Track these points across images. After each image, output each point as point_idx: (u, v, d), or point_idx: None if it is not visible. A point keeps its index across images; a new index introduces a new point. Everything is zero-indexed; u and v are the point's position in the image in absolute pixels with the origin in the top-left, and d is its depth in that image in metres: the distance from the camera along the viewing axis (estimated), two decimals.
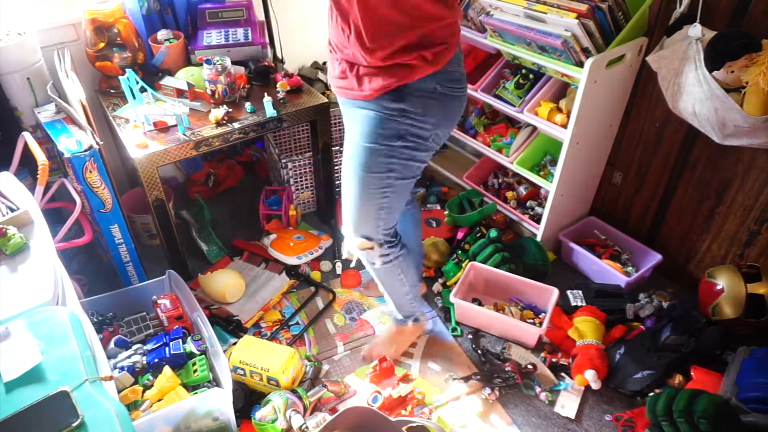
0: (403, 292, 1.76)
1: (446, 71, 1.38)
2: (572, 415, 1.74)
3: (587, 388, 1.80)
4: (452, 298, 1.94)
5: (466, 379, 1.83)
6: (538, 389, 1.80)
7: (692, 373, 1.73)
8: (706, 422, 1.45)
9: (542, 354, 1.91)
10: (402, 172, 1.46)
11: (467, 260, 2.14)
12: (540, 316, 1.96)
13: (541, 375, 1.85)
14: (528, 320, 1.93)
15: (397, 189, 1.49)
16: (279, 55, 2.56)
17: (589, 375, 1.76)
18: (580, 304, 2.00)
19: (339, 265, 2.30)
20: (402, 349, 1.92)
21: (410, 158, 1.45)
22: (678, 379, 1.75)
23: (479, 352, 1.92)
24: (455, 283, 2.04)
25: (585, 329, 1.88)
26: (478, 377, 1.82)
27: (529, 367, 1.83)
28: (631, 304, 2.00)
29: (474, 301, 2.03)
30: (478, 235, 2.25)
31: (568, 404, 1.77)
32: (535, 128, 2.19)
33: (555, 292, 1.95)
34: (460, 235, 2.31)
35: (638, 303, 2.01)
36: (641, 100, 2.05)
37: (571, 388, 1.81)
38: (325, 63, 2.87)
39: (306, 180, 2.48)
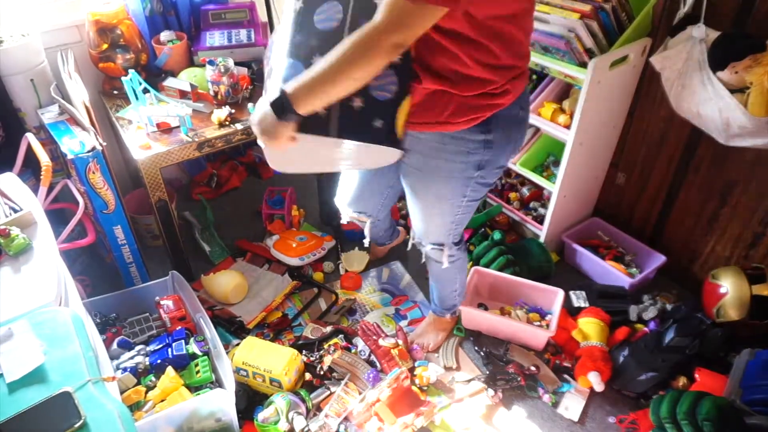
0: (452, 288, 1.84)
1: (525, 93, 1.33)
2: (576, 417, 1.74)
3: (591, 389, 1.79)
4: (459, 305, 1.93)
5: (470, 381, 1.83)
6: (541, 391, 1.80)
7: (696, 375, 1.72)
8: (710, 424, 1.45)
9: (545, 355, 1.90)
10: (475, 195, 1.45)
11: (471, 262, 2.13)
12: (546, 318, 1.95)
13: (544, 376, 1.84)
14: (535, 323, 1.93)
15: (469, 208, 1.50)
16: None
17: (593, 377, 1.75)
18: (583, 305, 2.00)
19: (342, 267, 2.30)
20: (443, 337, 1.98)
21: (484, 184, 1.42)
22: (682, 381, 1.74)
23: (482, 354, 1.91)
24: None
25: (589, 331, 1.87)
26: (482, 379, 1.82)
27: (532, 369, 1.82)
28: (635, 306, 1.99)
29: (480, 306, 2.02)
30: (481, 233, 2.25)
31: (571, 406, 1.77)
32: (538, 129, 2.19)
33: (560, 294, 1.94)
34: (465, 236, 2.31)
35: (642, 305, 2.00)
36: (645, 100, 2.04)
37: (575, 389, 1.81)
38: None
39: None
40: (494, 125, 1.27)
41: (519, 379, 1.79)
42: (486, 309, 2.02)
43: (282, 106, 1.10)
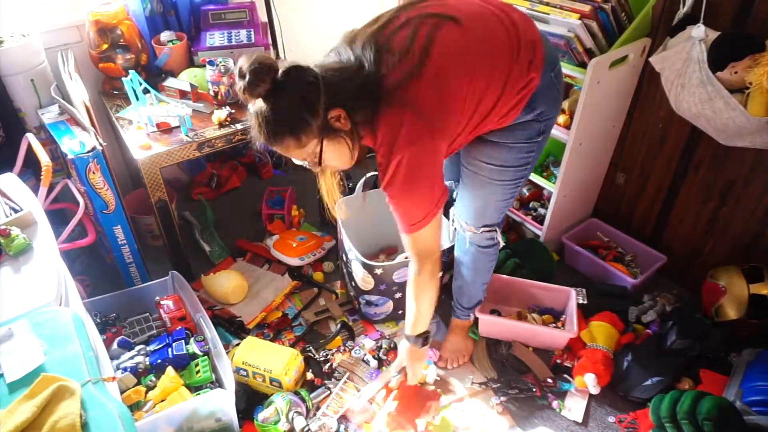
0: (484, 280, 1.83)
1: (547, 59, 1.40)
2: (575, 417, 1.73)
3: None
4: (477, 313, 1.90)
5: (482, 384, 1.82)
6: (551, 397, 1.79)
7: (701, 377, 1.72)
8: (710, 424, 1.45)
9: (554, 352, 1.90)
10: (533, 161, 1.53)
11: None
12: (561, 319, 1.96)
13: (537, 370, 1.84)
14: (550, 324, 1.93)
15: (523, 181, 1.56)
16: (282, 56, 2.56)
17: (589, 379, 1.74)
18: (581, 302, 2.00)
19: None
20: (472, 342, 1.96)
21: (540, 148, 1.52)
22: (688, 383, 1.73)
23: (503, 361, 1.90)
24: None
25: (598, 334, 1.87)
26: (497, 385, 1.81)
27: (549, 381, 1.81)
28: (634, 308, 1.99)
29: (492, 312, 2.01)
30: None
31: (571, 405, 1.76)
32: None
33: (572, 294, 1.94)
34: None
35: (641, 306, 2.00)
36: (644, 100, 2.04)
37: (575, 389, 1.80)
38: None
39: None
40: (538, 101, 1.39)
41: (535, 390, 1.78)
42: (499, 314, 2.01)
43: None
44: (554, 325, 1.93)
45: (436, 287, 1.49)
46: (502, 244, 1.72)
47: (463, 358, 1.91)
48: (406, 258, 1.81)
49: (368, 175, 2.03)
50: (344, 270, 2.03)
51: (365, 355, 1.88)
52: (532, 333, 1.92)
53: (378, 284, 1.87)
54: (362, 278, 1.86)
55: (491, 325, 1.96)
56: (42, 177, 1.65)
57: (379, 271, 1.83)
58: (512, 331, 1.95)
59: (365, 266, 1.83)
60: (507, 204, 1.60)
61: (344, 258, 1.98)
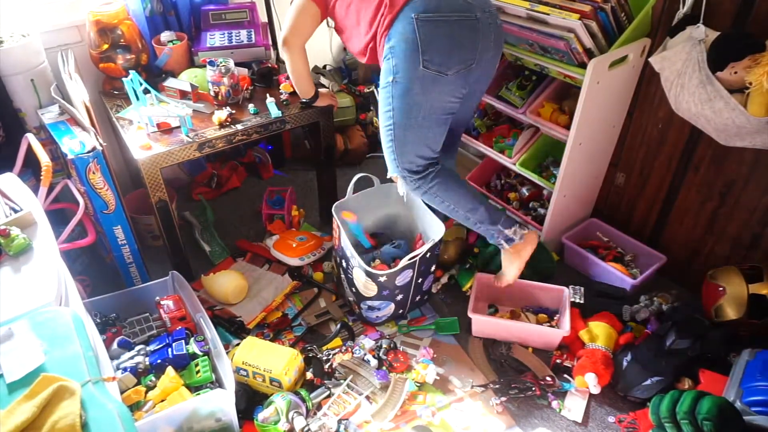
0: (463, 218, 1.85)
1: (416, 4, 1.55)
2: (575, 417, 1.73)
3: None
4: (470, 314, 1.91)
5: (484, 387, 1.82)
6: (551, 397, 1.79)
7: (700, 377, 1.72)
8: (710, 424, 1.45)
9: (554, 351, 1.90)
10: (400, 107, 1.63)
11: (478, 268, 2.13)
12: (555, 318, 1.96)
13: (537, 370, 1.84)
14: (544, 324, 1.93)
15: (398, 124, 1.66)
16: (282, 56, 2.56)
17: (589, 378, 1.75)
18: (578, 300, 1.99)
19: None
20: (518, 266, 1.91)
21: (404, 94, 1.61)
22: (687, 383, 1.73)
23: (502, 361, 1.89)
24: (469, 288, 2.05)
25: (598, 333, 1.87)
26: (497, 386, 1.81)
27: (548, 379, 1.81)
28: (627, 306, 1.98)
29: (490, 307, 2.01)
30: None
31: (571, 405, 1.77)
32: (537, 129, 2.19)
33: (565, 291, 1.94)
34: (471, 239, 2.29)
35: (635, 305, 2.00)
36: (644, 101, 2.04)
37: (575, 389, 1.80)
38: (325, 66, 2.88)
39: None
40: (393, 35, 1.58)
41: (534, 389, 1.78)
42: (496, 311, 2.01)
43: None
44: (549, 324, 1.93)
45: (299, 58, 1.90)
46: (402, 192, 1.91)
47: (505, 281, 1.93)
48: (409, 260, 1.82)
49: (358, 175, 2.05)
50: (342, 276, 2.02)
51: (365, 354, 1.88)
52: (525, 331, 1.92)
53: (381, 290, 1.87)
54: (364, 285, 1.86)
55: (484, 324, 1.96)
56: (42, 177, 1.65)
57: (382, 279, 1.83)
58: (506, 330, 1.95)
59: (369, 274, 1.83)
60: (390, 147, 1.72)
61: (344, 265, 1.97)
